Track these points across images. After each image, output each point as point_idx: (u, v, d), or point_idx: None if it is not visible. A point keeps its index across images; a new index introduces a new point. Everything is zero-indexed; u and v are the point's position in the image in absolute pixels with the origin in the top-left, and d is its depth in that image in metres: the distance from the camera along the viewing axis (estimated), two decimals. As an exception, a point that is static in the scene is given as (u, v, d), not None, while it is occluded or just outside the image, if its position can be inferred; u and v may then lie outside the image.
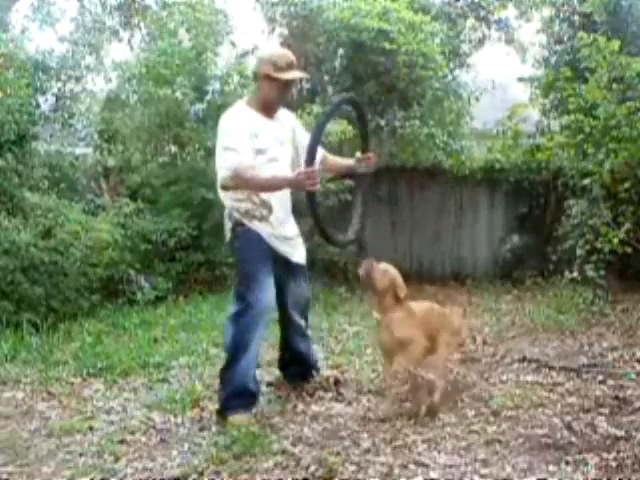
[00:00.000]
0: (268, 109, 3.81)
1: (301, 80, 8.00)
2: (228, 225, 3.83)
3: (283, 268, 3.87)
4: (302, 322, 4.10)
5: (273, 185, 3.70)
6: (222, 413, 3.70)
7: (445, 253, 8.58)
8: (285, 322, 4.09)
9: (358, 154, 3.97)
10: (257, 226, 3.75)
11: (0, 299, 6.00)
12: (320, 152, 3.87)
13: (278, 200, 3.78)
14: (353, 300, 7.28)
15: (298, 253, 3.98)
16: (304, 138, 3.90)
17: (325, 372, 4.30)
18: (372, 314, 3.81)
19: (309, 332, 4.21)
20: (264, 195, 3.72)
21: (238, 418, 3.60)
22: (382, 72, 8.21)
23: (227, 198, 3.80)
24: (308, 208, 3.62)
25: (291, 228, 3.96)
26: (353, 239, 4.05)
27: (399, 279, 3.77)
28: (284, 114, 3.97)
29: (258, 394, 3.82)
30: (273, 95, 3.78)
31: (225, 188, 3.72)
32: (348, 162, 4.09)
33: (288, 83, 3.82)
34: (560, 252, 7.09)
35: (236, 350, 3.69)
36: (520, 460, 3.06)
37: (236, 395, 3.68)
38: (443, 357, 3.86)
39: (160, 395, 4.21)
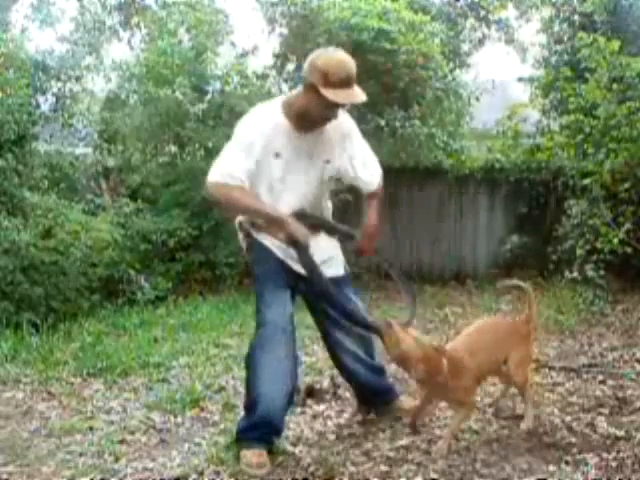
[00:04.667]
0: (304, 122, 3.13)
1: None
2: (240, 235, 3.43)
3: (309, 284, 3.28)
4: (346, 340, 3.49)
5: (254, 212, 3.20)
6: (237, 443, 3.25)
7: (445, 253, 8.57)
8: (329, 344, 3.59)
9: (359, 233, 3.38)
10: (265, 238, 3.27)
11: (0, 299, 6.01)
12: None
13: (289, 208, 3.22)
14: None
15: (332, 266, 3.38)
16: (356, 151, 3.32)
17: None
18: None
19: (361, 351, 3.52)
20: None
21: (249, 454, 3.09)
22: (382, 72, 8.19)
23: None
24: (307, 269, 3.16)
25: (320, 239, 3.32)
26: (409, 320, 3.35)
27: (413, 353, 3.08)
28: (332, 125, 3.18)
29: (281, 425, 3.25)
30: (312, 111, 3.07)
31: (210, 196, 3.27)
32: (364, 220, 3.39)
33: (335, 104, 3.03)
34: (560, 252, 7.08)
35: (248, 373, 3.27)
36: (520, 460, 3.06)
37: (252, 426, 3.16)
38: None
39: (160, 395, 4.20)
